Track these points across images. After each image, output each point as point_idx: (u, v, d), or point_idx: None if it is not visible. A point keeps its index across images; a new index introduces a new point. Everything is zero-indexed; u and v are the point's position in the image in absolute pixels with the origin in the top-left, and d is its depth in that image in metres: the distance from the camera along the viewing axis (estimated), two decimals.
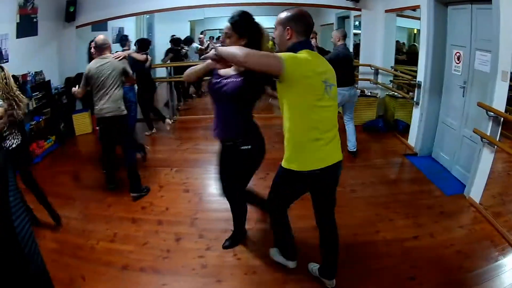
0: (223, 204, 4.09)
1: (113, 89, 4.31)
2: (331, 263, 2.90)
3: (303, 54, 2.35)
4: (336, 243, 2.86)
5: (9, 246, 1.62)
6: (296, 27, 2.40)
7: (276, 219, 2.97)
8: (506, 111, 3.75)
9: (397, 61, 8.01)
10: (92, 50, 4.63)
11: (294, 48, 2.40)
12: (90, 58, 4.72)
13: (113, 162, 4.70)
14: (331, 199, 2.76)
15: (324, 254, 2.91)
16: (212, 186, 4.57)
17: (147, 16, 10.18)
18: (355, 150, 5.70)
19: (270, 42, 12.58)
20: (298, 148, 2.48)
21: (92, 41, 4.72)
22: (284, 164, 2.55)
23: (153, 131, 6.95)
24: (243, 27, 2.73)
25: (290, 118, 2.43)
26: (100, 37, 4.40)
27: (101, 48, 4.36)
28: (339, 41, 5.51)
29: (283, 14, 2.44)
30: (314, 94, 2.36)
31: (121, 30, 9.55)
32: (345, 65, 5.39)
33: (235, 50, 2.30)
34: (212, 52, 2.53)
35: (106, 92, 4.26)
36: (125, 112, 4.40)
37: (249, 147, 2.95)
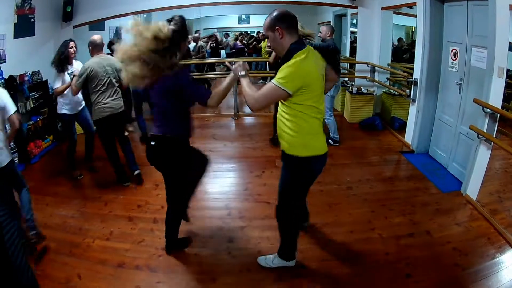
0: (218, 202, 4.13)
1: (118, 86, 4.53)
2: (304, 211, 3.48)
3: (301, 59, 2.44)
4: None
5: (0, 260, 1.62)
6: (283, 24, 2.51)
7: (293, 220, 3.01)
8: (502, 107, 3.76)
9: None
10: (73, 50, 4.68)
11: (290, 52, 2.50)
12: (64, 60, 4.69)
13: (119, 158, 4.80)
14: None
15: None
16: (208, 185, 4.58)
17: (145, 16, 10.16)
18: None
19: (264, 43, 12.65)
20: (312, 136, 2.65)
21: (68, 42, 4.72)
22: (302, 153, 2.64)
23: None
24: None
25: (299, 112, 2.55)
26: (98, 36, 4.51)
27: (101, 47, 4.51)
28: (329, 36, 5.59)
29: (267, 20, 2.57)
30: (319, 90, 2.58)
31: (118, 29, 9.53)
32: (334, 57, 5.46)
33: (247, 96, 2.56)
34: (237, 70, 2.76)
35: (114, 90, 4.48)
36: None
37: None
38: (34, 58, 6.06)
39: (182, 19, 2.82)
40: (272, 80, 2.47)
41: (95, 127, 4.73)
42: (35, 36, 6.22)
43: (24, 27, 5.89)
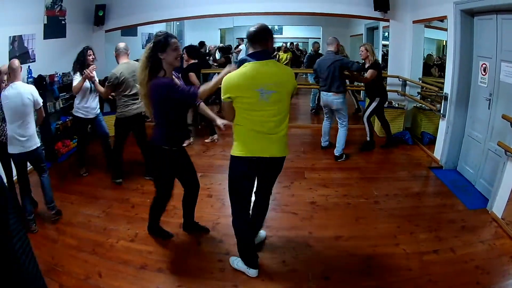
0: None
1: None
2: (260, 225, 3.57)
3: (237, 73, 2.77)
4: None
5: (10, 271, 1.62)
6: (252, 42, 2.83)
7: (241, 222, 3.14)
8: None
9: None
10: (91, 58, 4.92)
11: (240, 63, 2.86)
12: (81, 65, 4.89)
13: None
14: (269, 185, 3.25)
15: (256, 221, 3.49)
16: None
17: (178, 23, 10.31)
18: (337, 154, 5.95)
19: (283, 55, 12.80)
20: (244, 139, 2.89)
21: (87, 49, 4.93)
22: (234, 153, 2.90)
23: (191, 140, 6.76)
24: None
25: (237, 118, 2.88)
26: (123, 44, 4.77)
27: (125, 53, 4.74)
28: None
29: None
30: (246, 102, 2.78)
31: (151, 35, 9.67)
32: None
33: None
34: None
35: (137, 93, 4.59)
36: None
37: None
38: (65, 59, 6.16)
39: (161, 34, 3.10)
40: None
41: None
42: (66, 38, 6.38)
43: (54, 28, 6.06)
